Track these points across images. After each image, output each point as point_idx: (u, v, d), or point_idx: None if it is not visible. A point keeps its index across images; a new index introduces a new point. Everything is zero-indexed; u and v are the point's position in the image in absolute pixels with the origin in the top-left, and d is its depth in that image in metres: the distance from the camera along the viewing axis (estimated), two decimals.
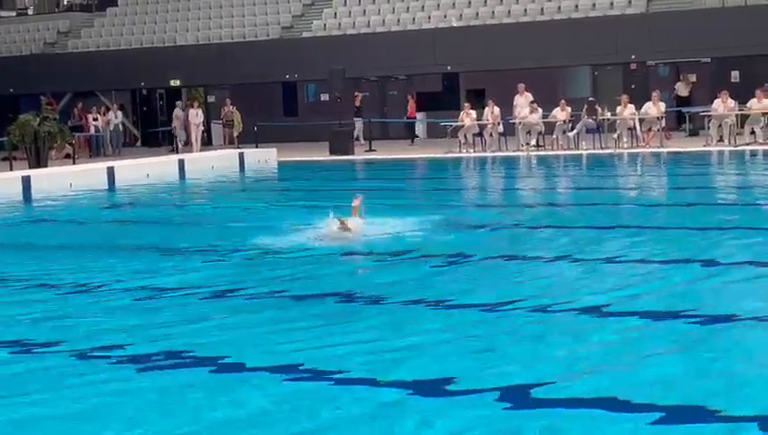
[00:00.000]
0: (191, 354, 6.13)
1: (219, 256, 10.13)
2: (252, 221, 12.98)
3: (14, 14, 45.18)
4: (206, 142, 33.23)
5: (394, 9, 34.50)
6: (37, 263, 10.30)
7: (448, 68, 32.16)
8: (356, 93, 31.76)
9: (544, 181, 19.35)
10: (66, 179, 19.66)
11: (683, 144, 24.92)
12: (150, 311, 7.62)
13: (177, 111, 32.81)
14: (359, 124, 30.63)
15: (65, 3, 44.29)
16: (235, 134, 32.45)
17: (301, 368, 5.69)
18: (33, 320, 7.40)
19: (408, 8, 34.31)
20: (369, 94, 33.85)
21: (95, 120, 33.27)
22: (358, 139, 30.14)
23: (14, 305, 8.00)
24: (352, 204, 10.83)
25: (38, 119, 25.17)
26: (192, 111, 31.92)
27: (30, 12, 45.13)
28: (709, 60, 30.32)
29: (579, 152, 24.25)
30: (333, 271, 9.08)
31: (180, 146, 31.45)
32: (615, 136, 24.75)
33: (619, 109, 25.03)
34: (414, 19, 33.62)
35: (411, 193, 18.10)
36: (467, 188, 19.17)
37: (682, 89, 29.44)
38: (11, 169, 23.15)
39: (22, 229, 14.29)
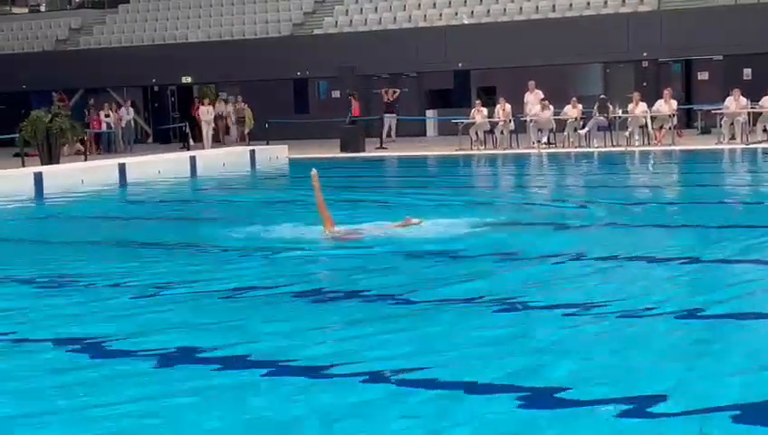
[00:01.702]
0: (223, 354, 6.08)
1: (246, 253, 10.04)
2: (264, 218, 12.92)
3: (26, 10, 45.35)
4: (217, 139, 33.28)
5: (405, 6, 34.50)
6: (54, 260, 10.33)
7: (459, 65, 32.16)
8: (385, 89, 31.56)
9: (559, 177, 19.33)
10: (78, 176, 19.71)
11: (694, 142, 24.85)
12: (179, 308, 7.55)
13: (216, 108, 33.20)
14: (388, 120, 30.48)
15: (77, 0, 44.40)
16: (246, 131, 32.52)
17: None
18: (60, 318, 7.32)
19: (419, 5, 34.30)
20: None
21: (107, 116, 33.35)
22: (389, 135, 30.05)
23: (35, 303, 7.98)
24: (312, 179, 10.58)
25: (50, 115, 25.22)
26: (203, 108, 31.98)
27: (42, 9, 45.26)
28: (721, 57, 30.25)
29: (590, 150, 24.19)
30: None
31: (193, 143, 31.52)
32: (626, 134, 24.69)
33: (630, 106, 24.97)
34: (425, 16, 33.62)
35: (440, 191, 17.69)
36: (503, 186, 18.87)
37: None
38: (23, 166, 23.21)
39: (35, 225, 14.35)
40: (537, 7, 32.22)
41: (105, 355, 6.17)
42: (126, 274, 8.99)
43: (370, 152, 26.61)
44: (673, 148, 23.50)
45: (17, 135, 25.92)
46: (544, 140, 25.69)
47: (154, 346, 6.22)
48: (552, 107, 25.82)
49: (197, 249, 10.52)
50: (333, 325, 6.68)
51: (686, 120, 29.30)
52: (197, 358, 5.95)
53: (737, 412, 4.64)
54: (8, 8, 45.76)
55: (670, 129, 24.78)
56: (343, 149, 26.68)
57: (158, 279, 8.69)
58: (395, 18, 34.06)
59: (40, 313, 7.51)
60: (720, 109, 24.69)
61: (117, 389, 5.40)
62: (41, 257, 10.63)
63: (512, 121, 26.33)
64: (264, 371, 5.57)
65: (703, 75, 31.19)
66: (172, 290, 8.16)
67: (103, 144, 33.16)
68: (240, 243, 10.59)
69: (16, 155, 26.33)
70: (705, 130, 27.30)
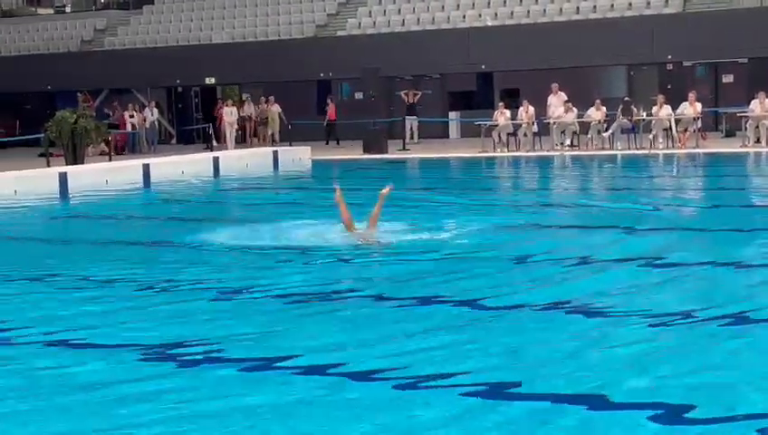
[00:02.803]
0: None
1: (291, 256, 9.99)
2: (291, 218, 12.88)
3: (51, 11, 45.60)
4: (241, 140, 33.37)
5: (428, 8, 34.47)
6: (82, 259, 10.39)
7: (483, 67, 32.09)
8: (406, 91, 31.52)
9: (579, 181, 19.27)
10: (102, 176, 19.83)
11: (719, 145, 24.71)
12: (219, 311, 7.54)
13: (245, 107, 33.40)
14: (409, 122, 30.38)
15: (102, 1, 44.63)
16: (269, 132, 32.56)
17: None
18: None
19: (442, 7, 34.26)
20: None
21: (131, 117, 33.51)
22: (412, 137, 29.95)
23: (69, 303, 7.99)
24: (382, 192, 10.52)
25: (75, 116, 25.35)
26: (227, 109, 32.06)
27: (68, 9, 45.49)
28: (746, 60, 30.07)
29: (613, 152, 24.10)
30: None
31: (216, 144, 31.61)
32: (650, 136, 24.58)
33: (654, 109, 24.85)
34: (448, 18, 33.58)
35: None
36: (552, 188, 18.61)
37: None
38: (48, 166, 23.35)
39: (62, 225, 14.46)
40: (561, 9, 32.11)
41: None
42: (155, 275, 9.03)
43: (393, 154, 26.59)
44: (697, 151, 23.37)
45: (42, 135, 26.07)
46: (567, 142, 25.62)
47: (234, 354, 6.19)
48: (575, 109, 25.75)
49: (229, 250, 10.51)
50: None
51: (714, 123, 29.07)
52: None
53: None
54: (34, 9, 46.01)
55: (695, 131, 24.65)
56: (366, 151, 26.69)
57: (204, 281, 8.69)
58: (418, 20, 34.04)
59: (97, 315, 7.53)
60: (745, 112, 24.54)
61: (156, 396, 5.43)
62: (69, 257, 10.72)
63: (535, 123, 26.26)
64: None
65: (728, 78, 30.99)
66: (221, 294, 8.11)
67: (128, 144, 33.29)
68: (270, 244, 10.60)
69: (41, 155, 26.49)
70: (730, 133, 27.14)
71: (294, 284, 8.36)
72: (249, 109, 33.62)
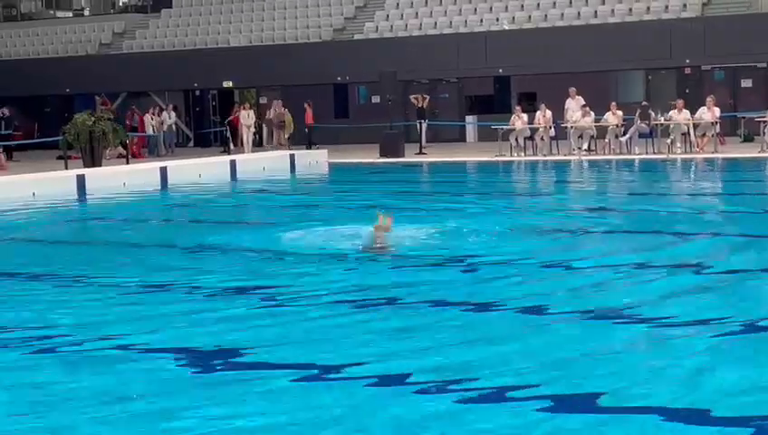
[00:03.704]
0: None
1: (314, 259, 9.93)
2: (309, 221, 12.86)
3: (70, 14, 45.84)
4: (257, 143, 33.41)
5: (446, 12, 34.47)
6: (103, 261, 10.44)
7: (500, 71, 32.05)
8: (415, 96, 31.47)
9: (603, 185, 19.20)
10: (120, 179, 19.91)
11: (737, 150, 24.60)
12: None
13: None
14: (420, 126, 30.35)
15: (120, 4, 44.84)
16: (286, 135, 32.59)
17: None
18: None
19: (459, 11, 34.25)
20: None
21: (152, 119, 33.60)
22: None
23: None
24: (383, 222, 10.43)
25: (93, 118, 25.46)
26: (244, 113, 32.12)
27: (86, 13, 45.75)
28: (765, 65, 29.94)
29: (631, 157, 24.03)
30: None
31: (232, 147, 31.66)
32: (668, 141, 24.48)
33: (673, 113, 24.75)
34: (466, 22, 33.56)
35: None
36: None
37: None
38: (66, 168, 23.45)
39: (79, 227, 14.51)
40: (579, 13, 32.06)
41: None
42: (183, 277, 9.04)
43: (409, 158, 26.56)
44: (716, 156, 23.27)
45: (61, 138, 26.19)
46: (585, 146, 25.54)
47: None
48: (592, 113, 25.66)
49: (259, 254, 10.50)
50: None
51: (732, 127, 28.92)
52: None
53: None
54: (52, 12, 46.27)
55: (713, 136, 24.54)
56: (383, 154, 26.68)
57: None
58: (435, 24, 34.04)
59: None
60: (763, 116, 24.41)
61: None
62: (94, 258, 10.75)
63: (552, 127, 26.19)
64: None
65: (746, 82, 30.86)
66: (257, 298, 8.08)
67: (148, 147, 33.38)
68: (290, 249, 10.57)
69: (60, 157, 26.63)
70: (748, 138, 27.01)
71: (333, 289, 8.17)
72: (273, 112, 33.66)
